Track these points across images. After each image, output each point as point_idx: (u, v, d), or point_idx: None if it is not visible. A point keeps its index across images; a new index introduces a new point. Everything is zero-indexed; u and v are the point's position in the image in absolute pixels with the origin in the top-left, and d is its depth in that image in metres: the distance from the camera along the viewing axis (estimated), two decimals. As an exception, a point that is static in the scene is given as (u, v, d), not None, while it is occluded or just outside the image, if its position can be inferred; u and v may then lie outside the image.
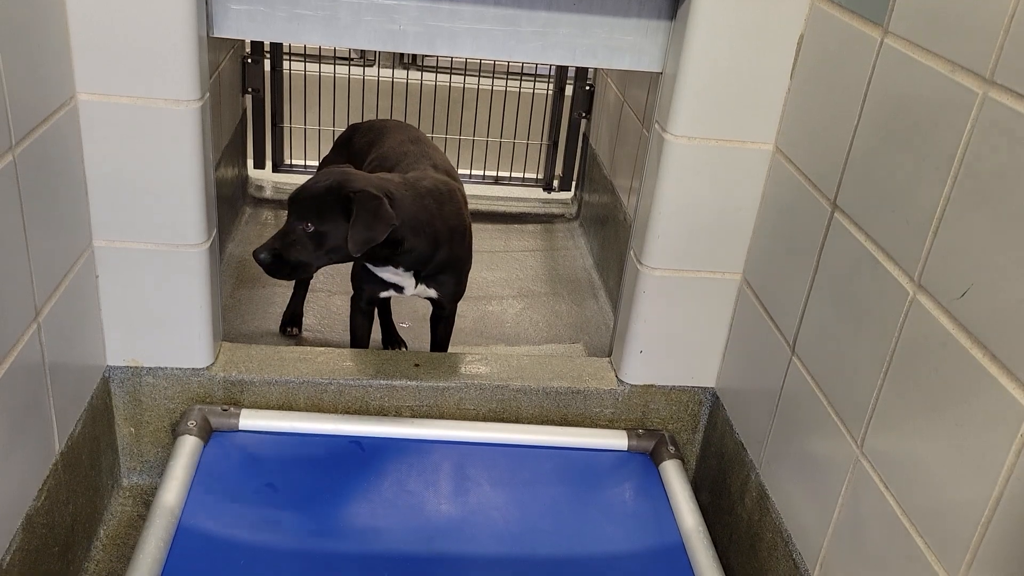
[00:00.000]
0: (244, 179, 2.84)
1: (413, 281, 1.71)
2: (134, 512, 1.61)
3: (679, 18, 1.46)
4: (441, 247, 1.66)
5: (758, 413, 1.49)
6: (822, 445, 1.26)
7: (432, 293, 1.75)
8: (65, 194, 1.35)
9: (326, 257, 1.55)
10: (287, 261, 1.53)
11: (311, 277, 2.14)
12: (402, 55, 3.44)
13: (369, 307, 1.85)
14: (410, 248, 1.61)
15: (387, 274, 1.69)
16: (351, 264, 1.74)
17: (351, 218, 1.50)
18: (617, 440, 1.68)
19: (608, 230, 2.54)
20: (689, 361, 1.68)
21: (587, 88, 2.89)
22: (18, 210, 1.17)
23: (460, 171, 2.35)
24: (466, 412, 1.70)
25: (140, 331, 1.55)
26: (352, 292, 1.82)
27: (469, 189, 2.12)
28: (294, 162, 2.99)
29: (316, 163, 2.64)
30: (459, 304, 1.90)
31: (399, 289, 1.73)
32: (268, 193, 2.90)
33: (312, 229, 1.52)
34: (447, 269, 1.72)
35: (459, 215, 1.70)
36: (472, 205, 2.79)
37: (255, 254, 1.54)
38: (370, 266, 1.68)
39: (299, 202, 1.54)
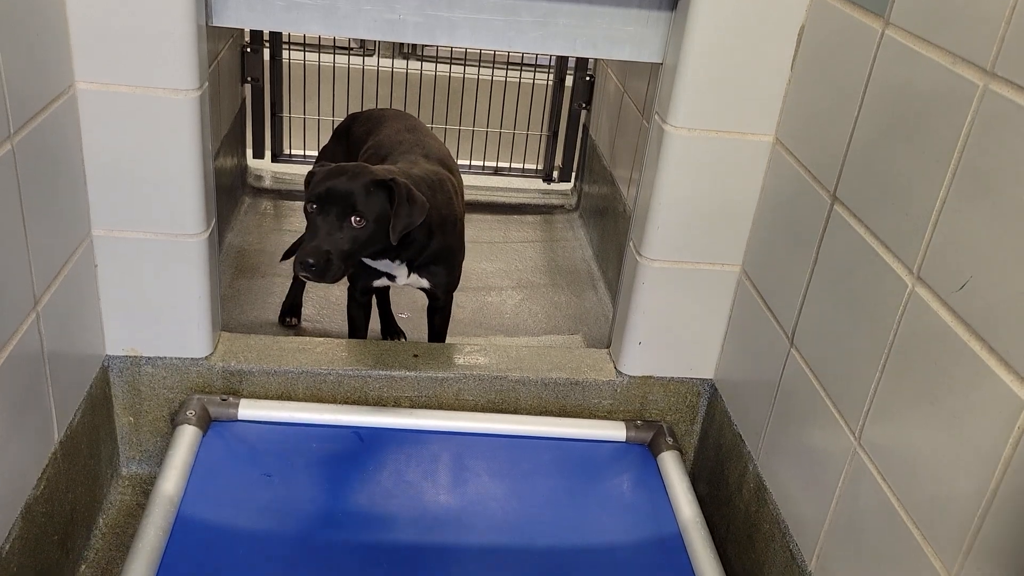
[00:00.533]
0: (243, 169, 2.83)
1: (405, 270, 1.71)
2: (133, 501, 1.62)
3: (680, 9, 1.46)
4: (434, 237, 1.66)
5: (756, 405, 1.49)
6: (820, 436, 1.26)
7: (424, 283, 1.75)
8: (64, 183, 1.35)
9: (366, 250, 1.54)
10: (333, 263, 1.47)
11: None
12: (402, 45, 3.43)
13: (364, 296, 1.85)
14: (409, 239, 1.60)
15: (380, 264, 1.69)
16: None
17: (393, 206, 1.50)
18: (615, 431, 1.68)
19: (607, 221, 2.54)
20: (688, 352, 1.68)
21: (587, 79, 2.88)
22: (17, 199, 1.17)
23: (460, 162, 2.34)
24: (465, 403, 1.70)
25: (139, 321, 1.55)
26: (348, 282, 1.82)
27: (469, 180, 2.12)
28: (293, 152, 2.99)
29: (315, 153, 2.64)
30: (458, 295, 1.90)
31: (391, 278, 1.73)
32: (267, 183, 2.89)
33: (363, 224, 1.49)
34: (439, 259, 1.72)
35: (450, 204, 1.70)
36: (471, 196, 2.80)
37: (303, 264, 1.45)
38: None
39: (340, 199, 1.48)
